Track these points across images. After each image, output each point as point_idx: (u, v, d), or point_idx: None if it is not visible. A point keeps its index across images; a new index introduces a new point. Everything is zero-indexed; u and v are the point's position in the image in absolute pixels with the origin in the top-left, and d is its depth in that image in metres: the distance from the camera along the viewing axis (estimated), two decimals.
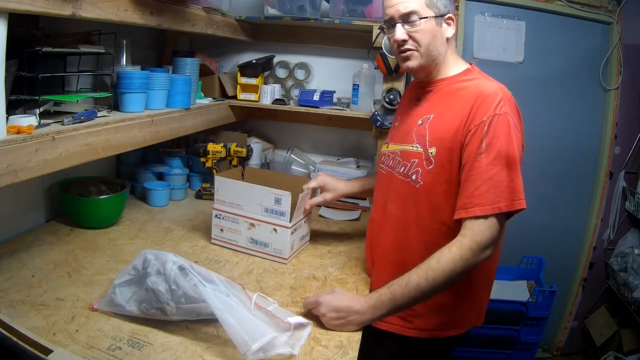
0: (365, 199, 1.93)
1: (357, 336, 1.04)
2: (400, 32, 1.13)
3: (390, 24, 1.16)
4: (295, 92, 2.18)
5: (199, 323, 1.00)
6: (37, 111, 1.07)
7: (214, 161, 1.86)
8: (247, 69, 2.02)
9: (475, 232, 1.01)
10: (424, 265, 1.03)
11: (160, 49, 2.08)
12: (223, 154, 1.86)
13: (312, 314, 1.08)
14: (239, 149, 1.86)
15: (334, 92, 2.10)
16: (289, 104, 2.06)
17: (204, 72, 2.02)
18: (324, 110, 1.98)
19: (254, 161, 2.11)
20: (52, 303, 1.04)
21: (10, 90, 0.99)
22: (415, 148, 1.15)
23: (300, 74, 2.26)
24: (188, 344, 0.95)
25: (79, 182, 1.57)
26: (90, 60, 1.36)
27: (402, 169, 1.18)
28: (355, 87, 1.94)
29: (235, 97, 2.08)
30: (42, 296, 1.07)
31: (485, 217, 1.01)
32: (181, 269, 0.97)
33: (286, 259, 1.37)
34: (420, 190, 1.13)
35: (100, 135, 1.19)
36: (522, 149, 1.09)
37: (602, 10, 2.23)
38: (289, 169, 2.16)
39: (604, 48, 2.27)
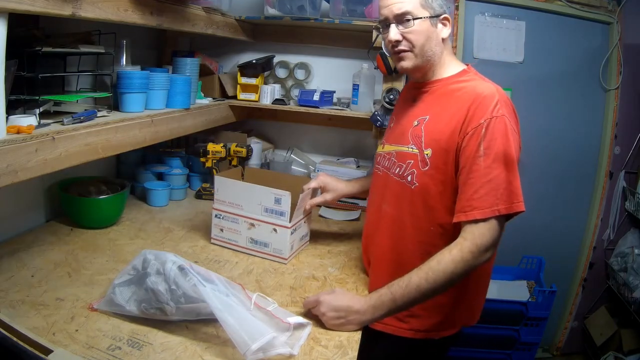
0: (365, 198, 1.93)
1: (357, 336, 1.04)
2: (394, 32, 1.13)
3: (384, 24, 1.16)
4: (295, 92, 2.18)
5: (198, 323, 1.00)
6: (37, 111, 1.07)
7: (214, 161, 1.86)
8: (247, 69, 2.02)
9: (475, 235, 1.01)
10: (424, 266, 1.03)
11: (160, 49, 2.08)
12: (223, 154, 1.86)
13: (311, 314, 1.08)
14: (239, 149, 1.87)
15: (334, 92, 2.10)
16: (289, 104, 2.06)
17: (204, 72, 2.02)
18: (324, 110, 1.98)
19: (254, 161, 2.11)
20: (52, 303, 1.04)
21: (10, 90, 0.99)
22: (411, 149, 1.15)
23: (300, 74, 2.26)
24: (188, 343, 0.95)
25: (78, 182, 1.57)
26: (90, 60, 1.36)
27: (397, 169, 1.18)
28: (355, 87, 1.94)
29: (235, 97, 2.08)
30: (42, 296, 1.07)
31: (485, 220, 1.01)
32: (181, 269, 0.97)
33: (286, 259, 1.37)
34: (416, 192, 1.13)
35: (100, 135, 1.19)
36: (519, 151, 1.09)
37: (602, 10, 2.23)
38: (289, 169, 2.16)
39: (604, 48, 2.27)
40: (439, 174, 1.10)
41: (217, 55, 2.26)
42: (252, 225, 1.39)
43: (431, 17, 1.12)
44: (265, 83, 2.11)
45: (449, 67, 1.19)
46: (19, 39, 1.02)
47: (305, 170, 2.22)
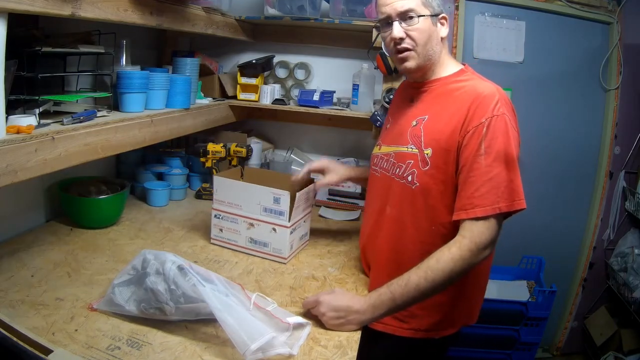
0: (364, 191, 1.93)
1: (356, 336, 1.05)
2: (397, 29, 1.12)
3: (386, 22, 1.15)
4: (295, 92, 2.18)
5: (198, 323, 1.00)
6: (37, 111, 1.08)
7: (213, 161, 1.86)
8: (247, 69, 2.02)
9: (474, 233, 1.02)
10: (423, 265, 1.03)
11: (160, 49, 2.08)
12: (223, 154, 1.86)
13: (311, 314, 1.08)
14: (238, 149, 1.87)
15: (334, 92, 2.10)
16: (289, 104, 2.06)
17: (204, 72, 2.02)
18: (324, 110, 1.98)
19: (254, 161, 2.11)
20: (52, 303, 1.04)
21: (10, 90, 0.99)
22: (411, 149, 1.15)
23: (300, 74, 2.26)
24: (187, 343, 0.95)
25: (78, 182, 1.57)
26: (90, 60, 1.36)
27: (397, 170, 1.18)
28: (355, 87, 1.94)
29: (235, 97, 2.08)
30: (42, 296, 1.07)
31: (485, 218, 1.02)
32: (180, 268, 0.97)
33: (286, 258, 1.37)
34: (417, 192, 1.13)
35: (100, 135, 1.19)
36: (519, 149, 1.09)
37: (602, 10, 2.23)
38: (289, 169, 2.16)
39: (604, 48, 2.27)
40: (439, 174, 1.10)
41: (217, 55, 2.26)
42: (252, 225, 1.39)
43: (432, 15, 1.13)
44: (265, 83, 2.11)
45: (447, 66, 1.19)
46: (19, 39, 1.02)
47: None
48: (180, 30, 1.54)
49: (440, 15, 1.15)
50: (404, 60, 1.16)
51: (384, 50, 1.69)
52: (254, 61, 2.01)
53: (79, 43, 1.24)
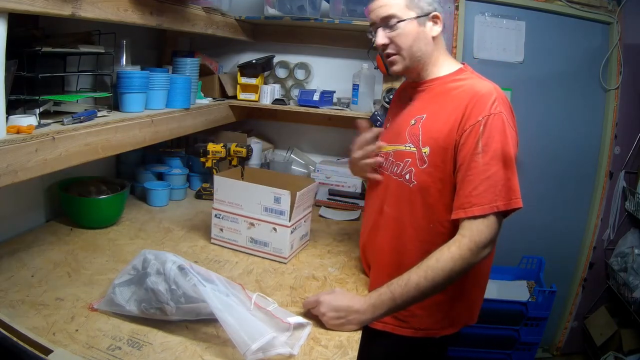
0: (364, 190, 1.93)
1: (357, 336, 1.05)
2: (380, 36, 1.15)
3: (374, 28, 1.18)
4: (295, 92, 2.18)
5: (198, 323, 1.00)
6: (37, 111, 1.08)
7: (213, 161, 1.86)
8: (247, 69, 2.02)
9: (473, 232, 1.02)
10: (423, 264, 1.03)
11: (160, 49, 2.08)
12: (223, 154, 1.86)
13: (311, 314, 1.08)
14: (238, 149, 1.86)
15: (334, 92, 2.10)
16: (289, 104, 2.07)
17: (204, 72, 2.02)
18: (324, 110, 1.98)
19: (254, 161, 2.11)
20: (52, 303, 1.04)
21: (10, 90, 0.99)
22: (409, 148, 1.15)
23: (300, 74, 2.26)
24: (188, 343, 0.95)
25: (78, 182, 1.57)
26: (90, 60, 1.36)
27: (395, 169, 1.18)
28: (355, 87, 1.94)
29: (235, 97, 2.08)
30: (42, 296, 1.07)
31: (483, 216, 1.02)
32: (181, 268, 0.97)
33: (286, 258, 1.37)
34: (414, 190, 1.13)
35: (100, 135, 1.19)
36: (517, 148, 1.09)
37: (602, 10, 2.23)
38: (289, 169, 2.17)
39: (604, 48, 2.27)
40: (437, 172, 1.10)
41: (217, 55, 2.26)
42: (252, 224, 1.39)
43: (419, 16, 1.13)
44: (265, 83, 2.11)
45: (444, 65, 1.19)
46: (19, 39, 1.02)
47: (305, 170, 2.22)
48: (180, 30, 1.54)
49: (432, 14, 1.14)
50: (392, 64, 1.18)
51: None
52: (254, 61, 2.01)
53: (79, 43, 1.24)
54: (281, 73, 2.27)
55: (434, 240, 1.10)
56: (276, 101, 2.05)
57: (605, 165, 2.35)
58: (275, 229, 1.36)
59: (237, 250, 1.43)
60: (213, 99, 2.01)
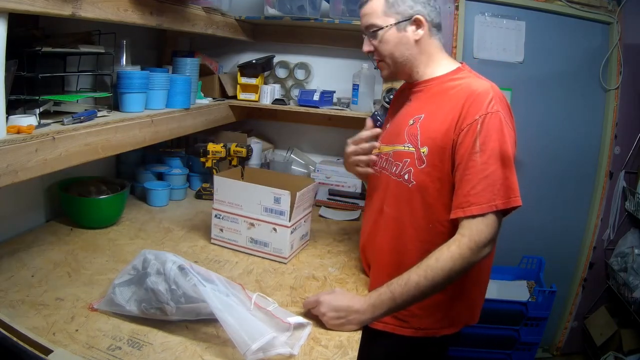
0: (364, 190, 1.93)
1: (357, 336, 1.05)
2: (365, 44, 1.21)
3: (364, 34, 1.22)
4: (295, 92, 2.18)
5: (198, 323, 1.00)
6: (37, 111, 1.08)
7: (213, 161, 1.86)
8: (247, 69, 2.02)
9: (473, 231, 1.02)
10: (423, 264, 1.03)
11: (160, 49, 2.08)
12: (223, 154, 1.86)
13: (311, 314, 1.08)
14: (239, 149, 1.86)
15: (334, 92, 2.10)
16: (289, 104, 2.07)
17: (204, 72, 2.02)
18: (324, 110, 1.98)
19: (254, 161, 2.11)
20: (52, 303, 1.04)
21: (10, 90, 0.99)
22: (407, 148, 1.15)
23: (300, 74, 2.26)
24: (188, 343, 0.95)
25: (78, 182, 1.57)
26: (90, 60, 1.36)
27: (394, 169, 1.18)
28: (355, 87, 1.94)
29: (235, 97, 2.08)
30: (42, 296, 1.07)
31: (482, 215, 1.02)
32: (181, 268, 0.97)
33: (286, 258, 1.37)
34: (413, 190, 1.13)
35: (100, 135, 1.19)
36: (515, 146, 1.09)
37: (602, 10, 2.23)
38: (289, 169, 2.17)
39: (604, 48, 2.27)
40: (435, 172, 1.10)
41: (217, 55, 2.26)
42: (252, 224, 1.39)
43: (398, 22, 1.14)
44: (265, 83, 2.11)
45: (441, 65, 1.19)
46: (19, 39, 1.02)
47: (305, 170, 2.22)
48: (180, 30, 1.54)
49: (413, 18, 1.14)
50: (380, 69, 1.24)
51: None
52: (254, 61, 2.01)
53: (79, 43, 1.24)
54: (281, 73, 2.27)
55: (434, 240, 1.10)
56: (276, 101, 2.05)
57: (605, 165, 2.35)
58: (275, 229, 1.36)
59: (237, 251, 1.43)
60: (213, 99, 2.01)
